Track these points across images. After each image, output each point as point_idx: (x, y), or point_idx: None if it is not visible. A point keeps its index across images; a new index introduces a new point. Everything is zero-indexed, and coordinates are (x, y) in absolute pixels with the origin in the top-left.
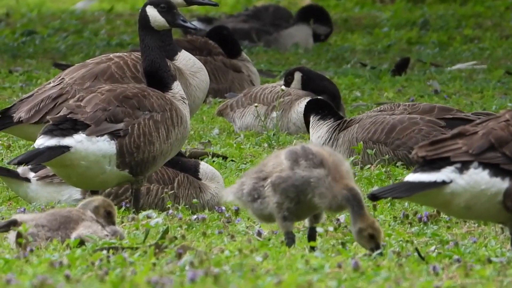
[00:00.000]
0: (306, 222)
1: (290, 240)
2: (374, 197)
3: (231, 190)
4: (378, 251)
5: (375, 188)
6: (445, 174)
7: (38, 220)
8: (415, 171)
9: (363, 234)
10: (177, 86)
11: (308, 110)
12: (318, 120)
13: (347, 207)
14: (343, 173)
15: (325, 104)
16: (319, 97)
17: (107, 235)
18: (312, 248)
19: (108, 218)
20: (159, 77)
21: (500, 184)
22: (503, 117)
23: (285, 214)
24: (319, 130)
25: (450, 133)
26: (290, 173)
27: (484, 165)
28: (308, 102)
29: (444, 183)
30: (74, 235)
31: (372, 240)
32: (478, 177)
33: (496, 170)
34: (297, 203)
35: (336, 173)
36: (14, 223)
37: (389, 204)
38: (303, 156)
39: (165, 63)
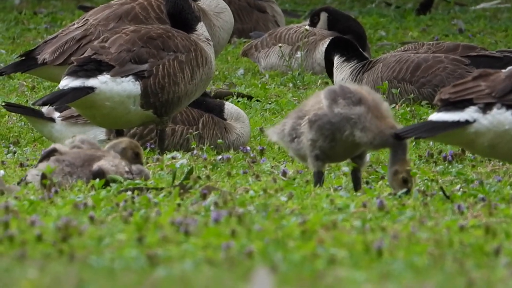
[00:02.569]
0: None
1: (318, 179)
2: (398, 137)
3: (275, 130)
4: (403, 190)
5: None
6: (469, 113)
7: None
8: (439, 111)
9: (397, 177)
10: (201, 27)
11: (332, 50)
12: (342, 62)
13: (389, 147)
14: (384, 112)
15: (349, 44)
16: (342, 36)
17: (128, 172)
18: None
19: (136, 159)
20: (182, 19)
21: None
22: None
23: (317, 152)
24: (343, 72)
25: (472, 75)
26: (327, 111)
27: (508, 105)
28: (331, 41)
29: (467, 122)
30: (95, 166)
31: (404, 185)
32: (502, 117)
33: None
34: (332, 141)
35: (376, 111)
36: (54, 151)
37: (414, 143)
38: (341, 95)
39: (188, 4)
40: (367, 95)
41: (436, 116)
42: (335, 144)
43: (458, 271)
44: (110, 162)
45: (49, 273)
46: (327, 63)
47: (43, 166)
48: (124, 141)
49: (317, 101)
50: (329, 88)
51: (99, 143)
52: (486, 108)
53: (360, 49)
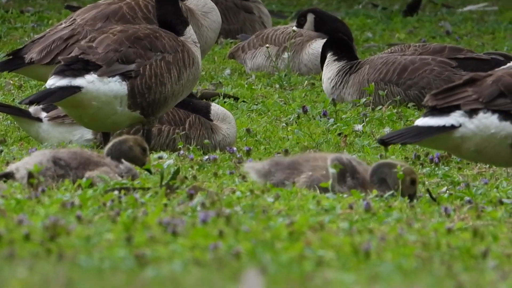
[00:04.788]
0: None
1: None
2: (383, 143)
3: (257, 168)
4: (414, 200)
5: (386, 129)
6: (454, 118)
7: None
8: (425, 116)
9: (405, 179)
10: (189, 31)
11: (328, 47)
12: (333, 60)
13: (386, 179)
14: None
15: (345, 44)
16: (342, 36)
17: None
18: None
19: (144, 154)
20: (172, 25)
21: (509, 128)
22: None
23: None
24: (331, 71)
25: (459, 81)
26: (336, 185)
27: (493, 110)
28: (329, 38)
29: (453, 127)
30: (87, 174)
31: (412, 187)
32: (488, 121)
33: (506, 114)
34: None
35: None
36: (9, 175)
37: (400, 145)
38: (350, 173)
39: (178, 10)
40: (366, 175)
41: (422, 121)
42: None
43: (446, 274)
44: (102, 174)
45: (38, 273)
46: (322, 60)
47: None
48: (129, 138)
49: (320, 166)
50: (337, 158)
51: (86, 143)
52: (472, 112)
53: (354, 51)
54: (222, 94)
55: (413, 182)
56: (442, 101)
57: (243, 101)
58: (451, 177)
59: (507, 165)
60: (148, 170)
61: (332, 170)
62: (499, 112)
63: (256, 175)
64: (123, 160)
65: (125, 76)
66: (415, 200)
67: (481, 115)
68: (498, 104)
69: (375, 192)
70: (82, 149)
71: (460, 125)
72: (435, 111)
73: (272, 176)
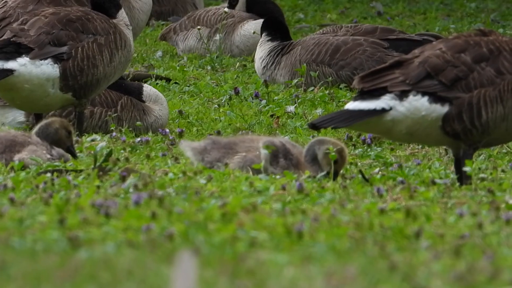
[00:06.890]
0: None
1: None
2: (314, 127)
3: (193, 146)
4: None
5: (319, 110)
6: (385, 101)
7: None
8: (355, 99)
9: (328, 155)
10: (121, 14)
11: (263, 28)
12: (267, 41)
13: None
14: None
15: (279, 24)
16: (278, 17)
17: (52, 159)
18: None
19: (68, 137)
20: (105, 8)
21: (439, 109)
22: (437, 46)
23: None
24: (263, 51)
25: (387, 63)
26: (268, 166)
27: (423, 92)
28: (265, 19)
29: (384, 110)
30: (16, 157)
31: (334, 166)
32: (418, 104)
33: (435, 96)
34: None
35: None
36: None
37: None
38: (283, 154)
39: None
40: (300, 157)
41: (353, 105)
42: None
43: (380, 254)
44: (32, 154)
45: None
46: None
47: None
48: (55, 121)
49: (254, 147)
50: (270, 142)
51: (18, 125)
52: (402, 95)
53: (289, 34)
54: (154, 76)
55: (336, 162)
56: (370, 83)
57: (175, 83)
58: (384, 158)
59: (438, 145)
60: (72, 153)
61: (264, 151)
62: (429, 95)
63: (192, 153)
64: (54, 147)
65: (57, 58)
66: (340, 179)
67: (411, 97)
68: (425, 85)
69: (307, 173)
70: (6, 131)
71: (391, 108)
72: (365, 94)
73: (207, 154)
